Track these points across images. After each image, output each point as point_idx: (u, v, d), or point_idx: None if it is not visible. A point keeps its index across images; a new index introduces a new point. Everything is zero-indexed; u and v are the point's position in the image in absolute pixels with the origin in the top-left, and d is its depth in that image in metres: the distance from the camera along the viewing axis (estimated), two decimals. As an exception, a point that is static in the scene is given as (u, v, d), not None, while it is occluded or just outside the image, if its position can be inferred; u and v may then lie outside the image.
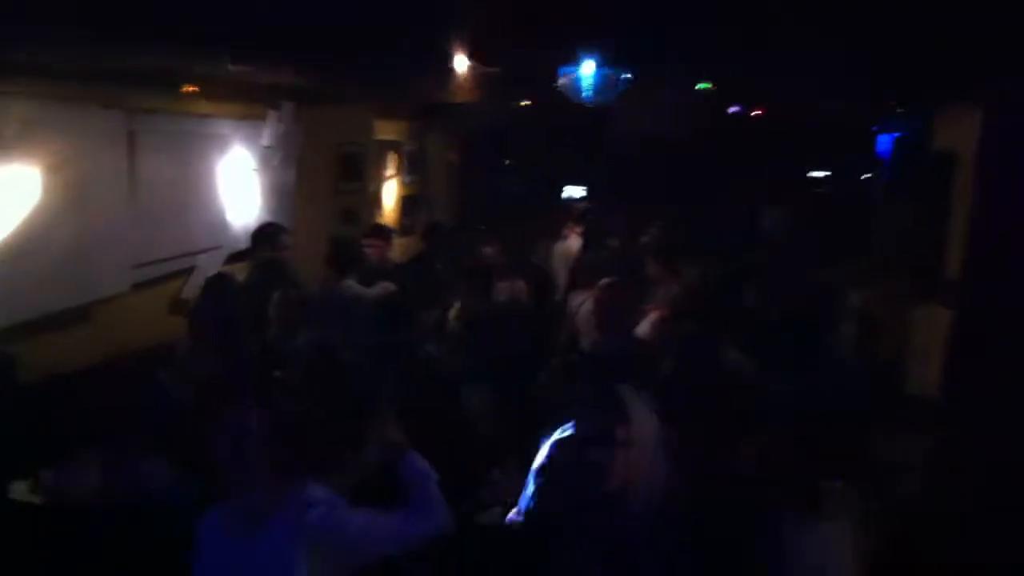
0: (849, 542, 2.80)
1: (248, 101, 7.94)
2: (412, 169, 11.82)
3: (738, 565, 2.65)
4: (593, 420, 2.71)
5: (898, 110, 9.17)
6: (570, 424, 3.77)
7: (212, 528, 2.92)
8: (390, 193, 11.17)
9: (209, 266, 7.34)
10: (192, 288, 7.02)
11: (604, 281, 5.87)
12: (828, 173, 14.66)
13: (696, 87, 8.36)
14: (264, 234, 6.70)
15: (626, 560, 2.69)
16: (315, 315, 5.66)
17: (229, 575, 2.86)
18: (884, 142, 11.02)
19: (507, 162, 14.76)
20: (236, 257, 7.56)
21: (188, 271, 7.14)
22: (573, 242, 9.15)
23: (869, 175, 12.75)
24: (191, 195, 7.28)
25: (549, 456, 3.68)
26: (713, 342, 4.65)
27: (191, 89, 6.94)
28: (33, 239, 5.55)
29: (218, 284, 5.72)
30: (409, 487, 3.04)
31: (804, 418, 3.09)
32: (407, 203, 11.65)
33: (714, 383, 4.26)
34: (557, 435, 3.82)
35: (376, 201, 10.68)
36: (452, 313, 6.31)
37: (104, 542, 3.47)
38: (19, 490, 4.01)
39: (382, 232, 7.85)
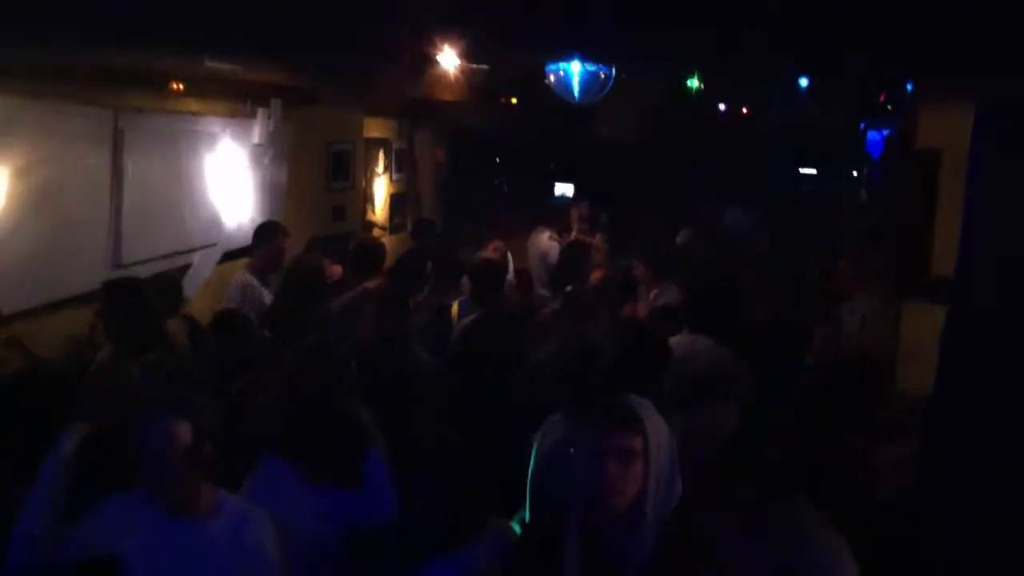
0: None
1: (237, 99, 7.92)
2: (400, 167, 11.84)
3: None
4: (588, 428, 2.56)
5: (888, 107, 9.21)
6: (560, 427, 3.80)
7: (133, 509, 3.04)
8: (379, 191, 11.18)
9: (204, 265, 7.33)
10: (188, 286, 7.01)
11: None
12: (814, 171, 14.72)
13: (686, 85, 8.40)
14: (266, 233, 6.79)
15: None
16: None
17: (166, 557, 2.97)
18: (871, 140, 11.07)
19: (496, 160, 14.78)
20: (231, 256, 7.56)
21: (181, 270, 7.12)
22: (547, 238, 9.21)
23: (855, 172, 12.81)
24: (182, 193, 7.25)
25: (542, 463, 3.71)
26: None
27: (179, 87, 6.93)
28: (8, 236, 5.51)
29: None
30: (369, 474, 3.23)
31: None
32: (396, 201, 11.66)
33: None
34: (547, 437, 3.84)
35: (366, 199, 10.70)
36: (454, 310, 6.32)
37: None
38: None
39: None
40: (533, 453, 3.84)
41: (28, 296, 5.64)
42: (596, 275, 6.49)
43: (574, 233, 9.28)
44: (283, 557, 3.12)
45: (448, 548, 3.04)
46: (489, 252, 8.10)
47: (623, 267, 7.30)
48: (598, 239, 9.04)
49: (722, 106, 11.54)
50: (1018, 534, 3.24)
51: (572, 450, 2.55)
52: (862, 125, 11.30)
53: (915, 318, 7.08)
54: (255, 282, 6.59)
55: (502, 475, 3.50)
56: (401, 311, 5.18)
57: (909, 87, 7.71)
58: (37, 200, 5.68)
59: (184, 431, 2.96)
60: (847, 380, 4.43)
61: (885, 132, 10.68)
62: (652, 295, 6.80)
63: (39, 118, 5.69)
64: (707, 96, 10.64)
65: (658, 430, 2.51)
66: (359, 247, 7.10)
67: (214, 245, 7.56)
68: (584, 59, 7.32)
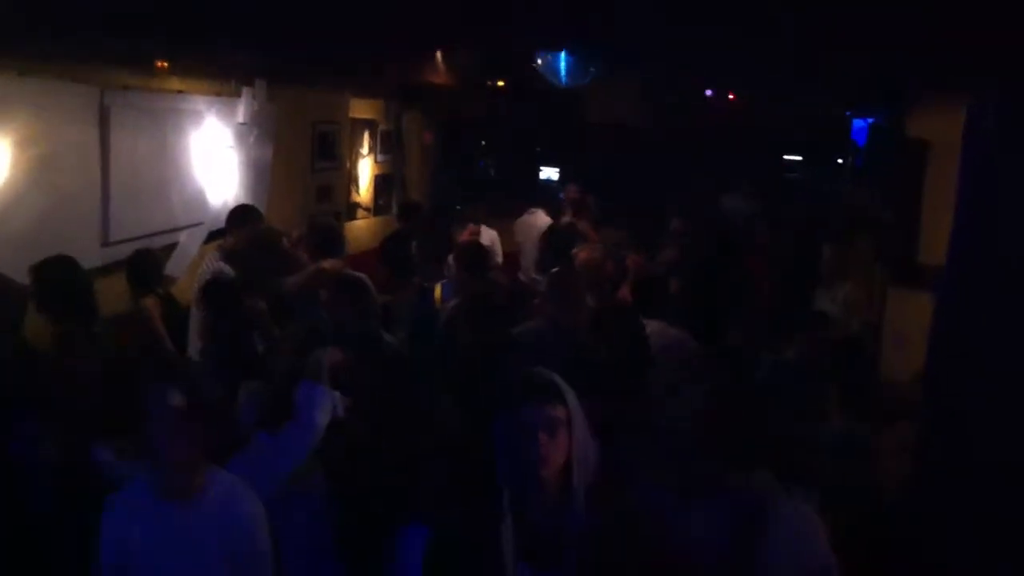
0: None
1: (222, 78, 7.87)
2: (386, 149, 11.80)
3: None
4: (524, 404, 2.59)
5: (875, 96, 9.23)
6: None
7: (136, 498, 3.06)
8: (364, 172, 11.15)
9: (190, 243, 7.29)
10: (175, 266, 6.97)
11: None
12: (800, 158, 14.77)
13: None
14: (238, 217, 6.67)
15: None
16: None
17: (162, 541, 2.98)
18: (858, 128, 11.11)
19: (482, 143, 14.75)
20: (217, 235, 7.51)
21: (169, 248, 7.08)
22: (540, 218, 9.17)
23: (841, 160, 12.86)
24: (168, 171, 7.21)
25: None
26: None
27: (164, 65, 6.88)
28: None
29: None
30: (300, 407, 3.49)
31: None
32: (380, 182, 11.63)
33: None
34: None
35: (351, 180, 10.66)
36: (436, 293, 6.30)
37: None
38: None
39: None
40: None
41: (19, 276, 5.60)
42: (581, 256, 6.47)
43: (567, 216, 9.25)
44: (271, 530, 3.14)
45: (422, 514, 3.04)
46: (466, 235, 8.08)
47: (611, 250, 7.30)
48: (583, 224, 9.03)
49: (708, 92, 11.55)
50: (1015, 531, 3.26)
51: (504, 429, 2.60)
52: (848, 113, 11.32)
53: (900, 305, 7.12)
54: (225, 268, 6.18)
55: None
56: (357, 294, 5.07)
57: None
58: (28, 178, 5.64)
59: (186, 406, 2.96)
60: (833, 362, 4.48)
61: (870, 120, 10.70)
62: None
63: (26, 95, 5.65)
64: (694, 82, 10.68)
65: (575, 403, 2.57)
66: (313, 229, 7.00)
67: (200, 224, 7.52)
68: (572, 52, 7.32)
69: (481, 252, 6.59)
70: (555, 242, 7.22)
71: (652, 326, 4.99)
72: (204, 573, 3.01)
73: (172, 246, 7.17)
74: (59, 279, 4.81)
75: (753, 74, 8.36)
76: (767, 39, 5.73)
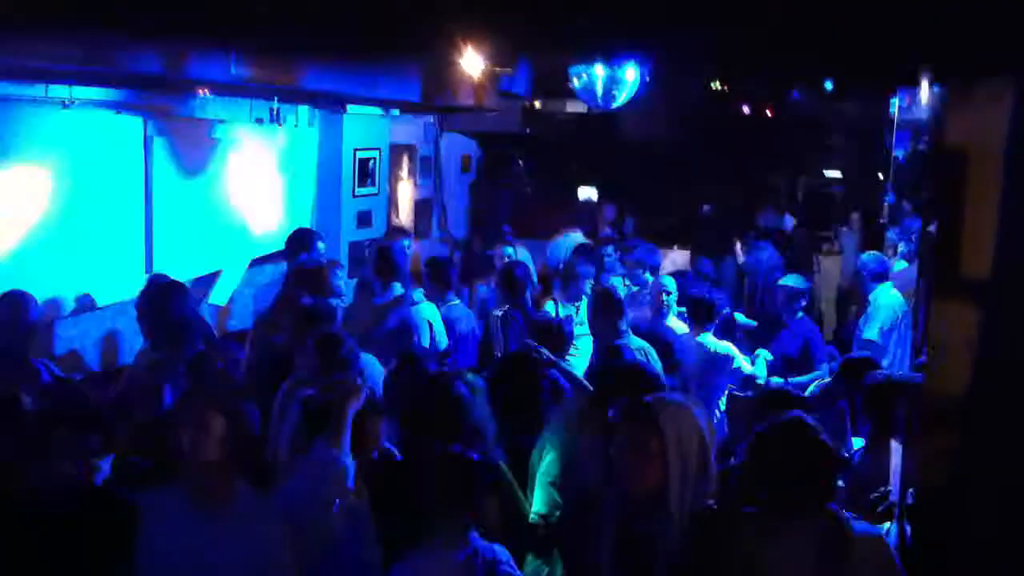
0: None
1: (265, 106, 7.97)
2: (425, 172, 11.85)
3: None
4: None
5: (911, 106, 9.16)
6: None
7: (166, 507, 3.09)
8: (404, 196, 11.20)
9: (232, 271, 7.38)
10: (218, 294, 7.06)
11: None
12: (839, 173, 14.64)
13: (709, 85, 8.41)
14: (298, 239, 6.75)
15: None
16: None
17: (191, 552, 3.01)
18: (898, 140, 11.01)
19: (520, 163, 14.78)
20: (259, 261, 7.60)
21: (211, 277, 7.18)
22: (576, 238, 9.17)
23: (880, 175, 12.74)
24: (209, 200, 7.31)
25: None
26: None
27: (206, 93, 6.99)
28: (44, 244, 5.61)
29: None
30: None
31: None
32: (420, 206, 11.68)
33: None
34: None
35: (391, 204, 10.72)
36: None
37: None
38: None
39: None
40: (547, 446, 3.90)
41: (68, 304, 5.71)
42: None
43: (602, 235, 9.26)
44: (299, 546, 3.16)
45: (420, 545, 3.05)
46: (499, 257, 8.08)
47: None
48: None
49: (746, 108, 11.55)
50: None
51: (596, 443, 2.66)
52: (887, 126, 11.23)
53: (943, 316, 7.03)
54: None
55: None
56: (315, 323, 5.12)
57: (935, 87, 7.66)
58: (74, 208, 5.77)
59: (219, 424, 3.01)
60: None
61: (908, 131, 10.63)
62: None
63: (71, 126, 5.76)
64: (732, 97, 10.67)
65: (680, 427, 2.59)
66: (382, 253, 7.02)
67: (242, 251, 7.61)
68: (608, 62, 7.33)
69: (519, 275, 6.65)
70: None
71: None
72: None
73: (215, 274, 7.26)
74: None
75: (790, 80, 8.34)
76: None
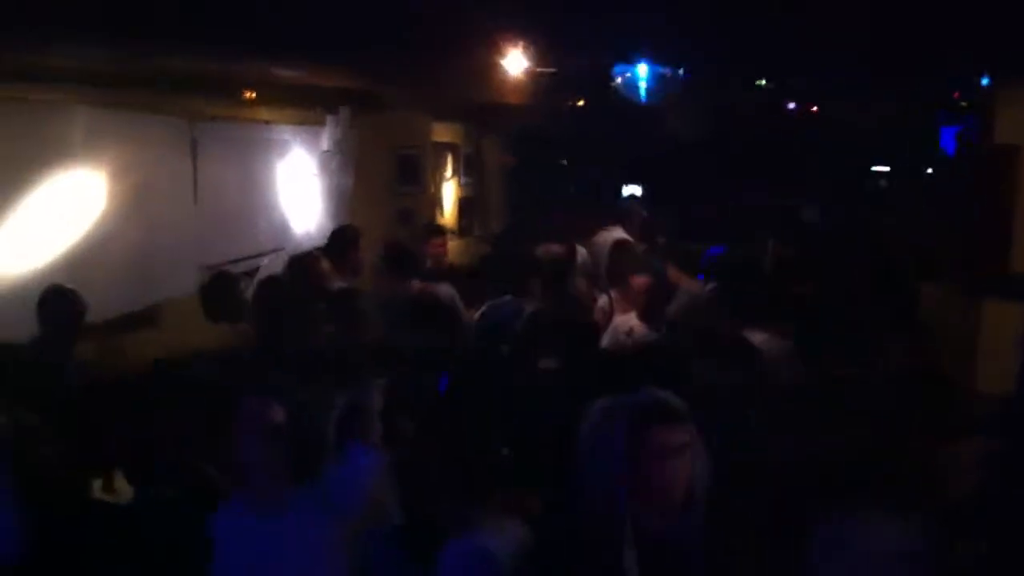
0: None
1: (306, 107, 8.05)
2: (468, 171, 11.89)
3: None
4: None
5: (961, 103, 9.03)
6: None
7: (231, 517, 3.13)
8: (448, 195, 11.25)
9: (272, 268, 7.45)
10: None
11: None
12: (887, 168, 14.49)
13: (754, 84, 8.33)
14: (341, 236, 6.79)
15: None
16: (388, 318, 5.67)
17: (254, 557, 3.04)
18: (946, 136, 10.87)
19: (563, 163, 14.78)
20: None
21: (252, 273, 7.24)
22: (615, 235, 9.09)
23: (931, 170, 12.60)
24: (253, 199, 7.40)
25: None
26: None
27: (251, 95, 7.07)
28: (100, 243, 5.69)
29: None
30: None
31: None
32: (464, 205, 11.71)
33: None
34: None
35: (435, 203, 10.76)
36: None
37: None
38: (94, 488, 4.11)
39: (442, 232, 7.89)
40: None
41: (125, 301, 5.80)
42: (640, 282, 6.39)
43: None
44: (352, 550, 3.16)
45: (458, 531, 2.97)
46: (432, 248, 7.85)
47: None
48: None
49: (792, 104, 11.42)
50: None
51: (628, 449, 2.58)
52: (940, 120, 11.08)
53: (994, 315, 6.93)
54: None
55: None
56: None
57: (984, 81, 7.55)
58: (127, 208, 5.87)
59: (278, 416, 3.04)
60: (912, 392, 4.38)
61: (958, 128, 10.48)
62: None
63: (118, 128, 5.86)
64: (776, 94, 10.56)
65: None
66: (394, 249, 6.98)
67: (282, 249, 7.68)
68: (652, 62, 7.31)
69: (560, 267, 6.62)
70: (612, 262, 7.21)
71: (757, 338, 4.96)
72: None
73: (254, 271, 7.32)
74: None
75: (835, 79, 8.24)
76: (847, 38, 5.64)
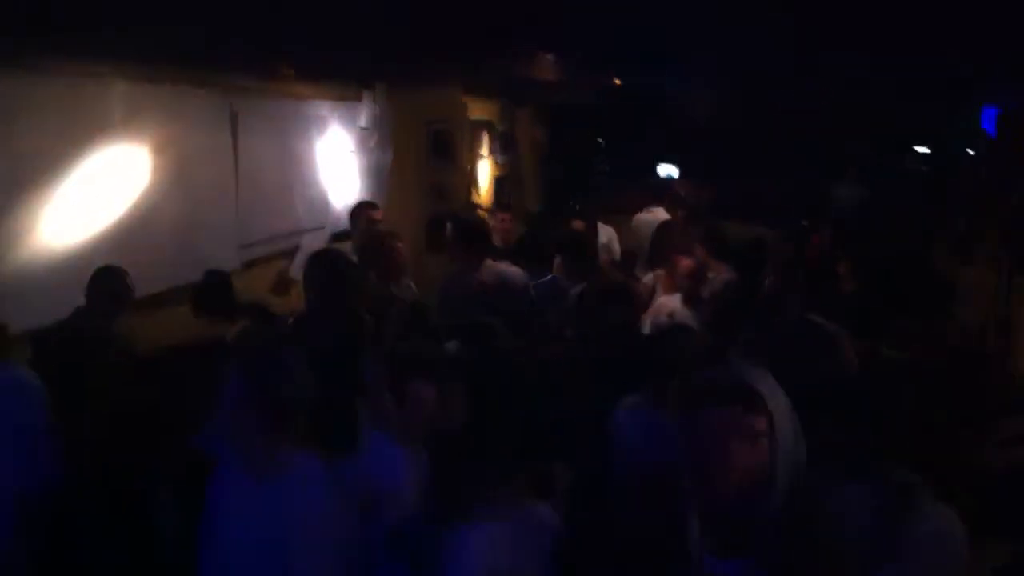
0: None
1: (344, 83, 8.07)
2: (505, 149, 11.89)
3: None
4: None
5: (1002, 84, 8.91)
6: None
7: (229, 478, 3.13)
8: (484, 173, 11.26)
9: (313, 246, 7.49)
10: (298, 268, 7.17)
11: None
12: (928, 150, 14.34)
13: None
14: (356, 211, 6.85)
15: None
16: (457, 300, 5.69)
17: (250, 520, 3.05)
18: (988, 116, 10.72)
19: (597, 139, 14.74)
20: (339, 237, 7.70)
21: (292, 251, 7.29)
22: (659, 215, 9.07)
23: (972, 151, 12.43)
24: (293, 176, 7.44)
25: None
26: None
27: (290, 71, 7.09)
28: (143, 219, 5.74)
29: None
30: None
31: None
32: (499, 183, 11.72)
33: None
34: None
35: (471, 180, 10.77)
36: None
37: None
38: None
39: (507, 207, 7.91)
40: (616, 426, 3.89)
41: (168, 276, 5.86)
42: (685, 264, 6.36)
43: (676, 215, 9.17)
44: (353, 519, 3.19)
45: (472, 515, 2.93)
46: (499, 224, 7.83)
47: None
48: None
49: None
50: None
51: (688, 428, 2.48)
52: (983, 104, 10.93)
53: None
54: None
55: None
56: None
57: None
58: (169, 183, 5.92)
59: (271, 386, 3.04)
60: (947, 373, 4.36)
61: (999, 109, 10.33)
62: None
63: (160, 102, 5.91)
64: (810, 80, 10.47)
65: (780, 404, 2.41)
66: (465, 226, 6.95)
67: (322, 228, 7.73)
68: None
69: (583, 241, 6.64)
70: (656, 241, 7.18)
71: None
72: (278, 551, 3.05)
73: (294, 249, 7.39)
74: None
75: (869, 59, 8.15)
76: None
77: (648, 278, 6.60)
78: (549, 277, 6.36)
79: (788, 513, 2.39)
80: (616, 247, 8.77)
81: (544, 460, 3.36)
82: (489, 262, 6.07)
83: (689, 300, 5.92)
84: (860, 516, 2.65)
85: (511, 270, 6.06)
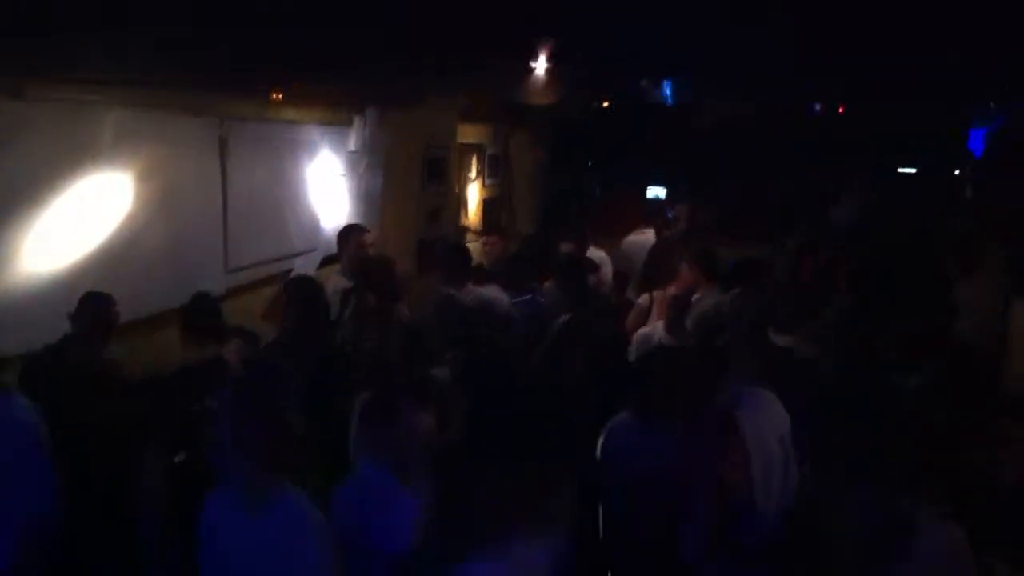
0: None
1: (334, 107, 8.07)
2: (493, 172, 11.90)
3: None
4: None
5: (991, 105, 8.97)
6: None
7: (217, 510, 3.14)
8: (473, 196, 11.26)
9: (304, 270, 7.48)
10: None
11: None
12: (915, 170, 14.38)
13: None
14: (345, 235, 6.83)
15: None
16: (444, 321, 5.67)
17: (239, 551, 3.06)
18: (975, 137, 10.80)
19: (589, 163, 14.77)
20: (329, 261, 7.68)
21: (283, 275, 7.26)
22: (649, 237, 9.07)
23: (958, 171, 12.50)
24: (282, 201, 7.42)
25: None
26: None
27: (279, 96, 7.09)
28: (131, 244, 5.72)
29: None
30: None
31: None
32: (488, 206, 11.73)
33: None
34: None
35: (460, 203, 10.78)
36: None
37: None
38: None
39: (496, 231, 7.91)
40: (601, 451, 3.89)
41: (155, 301, 5.83)
42: (669, 291, 6.32)
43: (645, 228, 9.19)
44: (335, 556, 3.15)
45: (493, 548, 2.92)
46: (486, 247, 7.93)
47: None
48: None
49: (818, 106, 11.38)
50: None
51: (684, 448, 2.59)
52: (972, 123, 11.00)
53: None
54: (348, 283, 6.35)
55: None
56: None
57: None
58: (155, 208, 5.90)
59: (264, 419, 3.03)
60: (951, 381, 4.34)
61: (986, 129, 10.40)
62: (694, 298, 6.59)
63: (150, 128, 5.90)
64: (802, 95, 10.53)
65: (758, 422, 2.50)
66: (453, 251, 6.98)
67: (314, 250, 7.70)
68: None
69: (575, 264, 6.68)
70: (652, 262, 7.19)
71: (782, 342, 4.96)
72: None
73: (287, 273, 7.34)
74: None
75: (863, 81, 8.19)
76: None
77: (644, 299, 6.57)
78: (528, 297, 6.38)
79: (790, 525, 2.45)
80: (608, 269, 8.75)
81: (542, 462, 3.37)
82: (470, 286, 6.12)
83: (672, 328, 5.85)
84: (862, 530, 2.66)
85: (492, 293, 6.10)
